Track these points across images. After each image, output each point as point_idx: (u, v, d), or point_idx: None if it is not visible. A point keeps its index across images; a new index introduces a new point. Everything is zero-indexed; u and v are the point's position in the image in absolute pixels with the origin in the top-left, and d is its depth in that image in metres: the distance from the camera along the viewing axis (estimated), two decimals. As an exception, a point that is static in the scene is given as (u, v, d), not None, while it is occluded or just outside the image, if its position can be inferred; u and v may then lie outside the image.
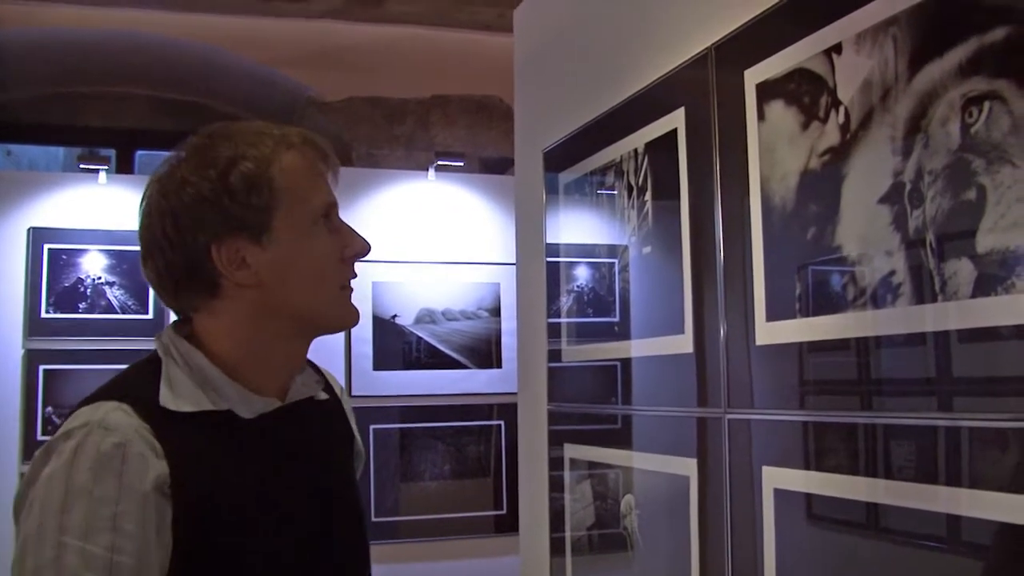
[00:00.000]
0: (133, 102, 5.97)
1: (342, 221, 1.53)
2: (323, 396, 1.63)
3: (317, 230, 1.47)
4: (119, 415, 1.32)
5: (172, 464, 1.32)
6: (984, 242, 1.36)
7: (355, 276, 1.54)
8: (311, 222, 1.46)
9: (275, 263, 1.43)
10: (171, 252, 1.41)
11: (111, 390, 1.38)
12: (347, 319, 1.54)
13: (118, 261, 4.69)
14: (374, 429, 4.87)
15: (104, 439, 1.29)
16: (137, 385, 1.40)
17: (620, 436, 2.42)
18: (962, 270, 1.39)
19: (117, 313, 4.68)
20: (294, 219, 1.44)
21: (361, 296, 4.82)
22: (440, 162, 5.22)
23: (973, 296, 1.38)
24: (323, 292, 1.49)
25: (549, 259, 2.84)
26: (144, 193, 1.46)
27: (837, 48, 1.66)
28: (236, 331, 1.45)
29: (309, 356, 1.63)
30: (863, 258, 1.59)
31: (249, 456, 1.44)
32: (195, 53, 5.56)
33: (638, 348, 2.33)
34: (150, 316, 4.71)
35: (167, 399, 1.37)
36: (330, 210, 1.50)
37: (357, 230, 1.54)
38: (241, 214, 1.40)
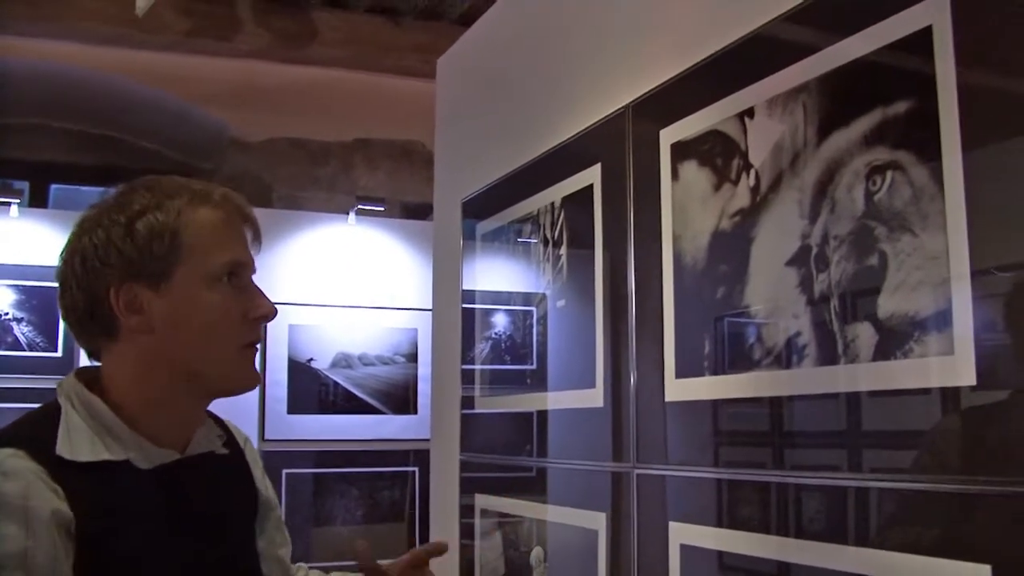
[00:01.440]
0: (50, 134, 5.86)
1: (252, 282, 1.52)
2: (223, 451, 1.61)
3: (218, 287, 1.46)
4: (16, 461, 1.30)
5: (73, 509, 1.30)
6: (885, 307, 1.39)
7: (258, 339, 1.52)
8: (212, 278, 1.45)
9: (169, 313, 1.43)
10: (76, 290, 1.44)
11: (6, 437, 1.36)
12: (243, 381, 1.52)
13: (27, 296, 4.58)
14: (287, 473, 4.81)
15: (3, 482, 1.27)
16: (33, 432, 1.38)
17: (531, 487, 2.41)
18: (864, 334, 1.42)
19: (24, 351, 4.57)
20: (195, 271, 1.44)
21: (277, 339, 4.79)
22: (361, 206, 5.20)
23: (874, 360, 1.41)
24: (216, 349, 1.47)
25: (465, 306, 2.84)
26: (71, 232, 1.50)
27: (750, 112, 1.70)
28: (133, 378, 1.45)
29: (220, 402, 1.61)
30: (771, 319, 1.62)
31: (146, 508, 1.41)
32: (116, 87, 5.49)
33: (552, 400, 2.33)
34: (59, 354, 4.60)
35: (64, 448, 1.35)
36: (238, 269, 1.49)
37: (266, 292, 1.53)
38: (140, 260, 1.42)
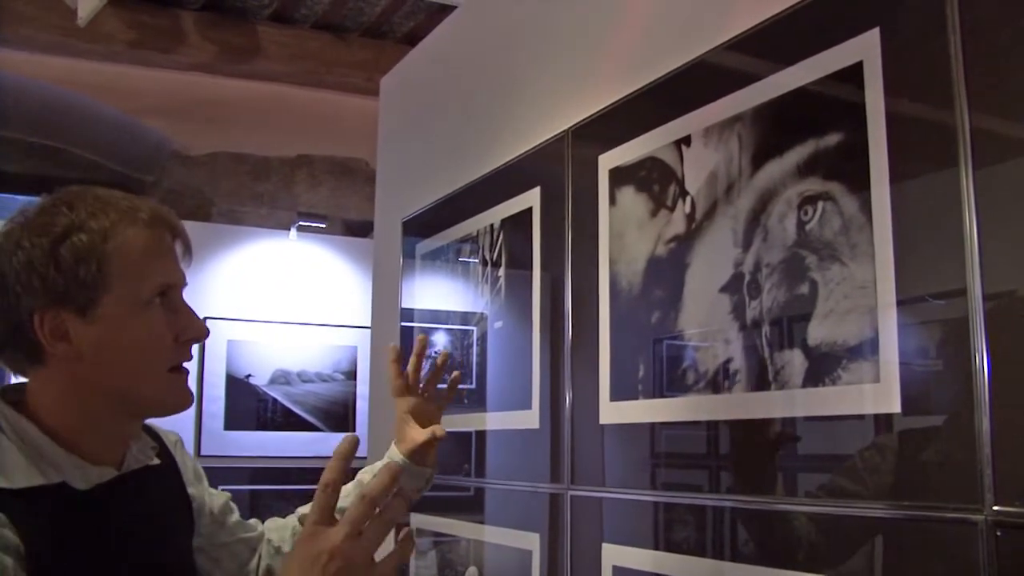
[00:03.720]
0: (-12, 143, 5.79)
1: (183, 302, 1.47)
2: (156, 462, 1.56)
3: (149, 310, 1.40)
4: None
5: (19, 537, 1.25)
6: (814, 335, 1.42)
7: (190, 359, 1.47)
8: (142, 302, 1.39)
9: (98, 340, 1.36)
10: None
11: None
12: (175, 403, 1.46)
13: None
14: (222, 490, 4.76)
15: None
16: None
17: (467, 507, 2.42)
18: (794, 361, 1.45)
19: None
20: (124, 297, 1.38)
21: (215, 354, 4.76)
22: (302, 222, 5.19)
23: (804, 386, 1.43)
24: (147, 374, 1.41)
25: (404, 324, 2.84)
26: None
27: (687, 140, 1.72)
28: (62, 402, 1.39)
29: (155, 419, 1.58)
30: (704, 344, 1.64)
31: (86, 529, 1.37)
32: (56, 97, 5.42)
33: (490, 420, 2.34)
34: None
35: None
36: (169, 290, 1.43)
37: (197, 313, 1.48)
38: (66, 286, 1.34)
